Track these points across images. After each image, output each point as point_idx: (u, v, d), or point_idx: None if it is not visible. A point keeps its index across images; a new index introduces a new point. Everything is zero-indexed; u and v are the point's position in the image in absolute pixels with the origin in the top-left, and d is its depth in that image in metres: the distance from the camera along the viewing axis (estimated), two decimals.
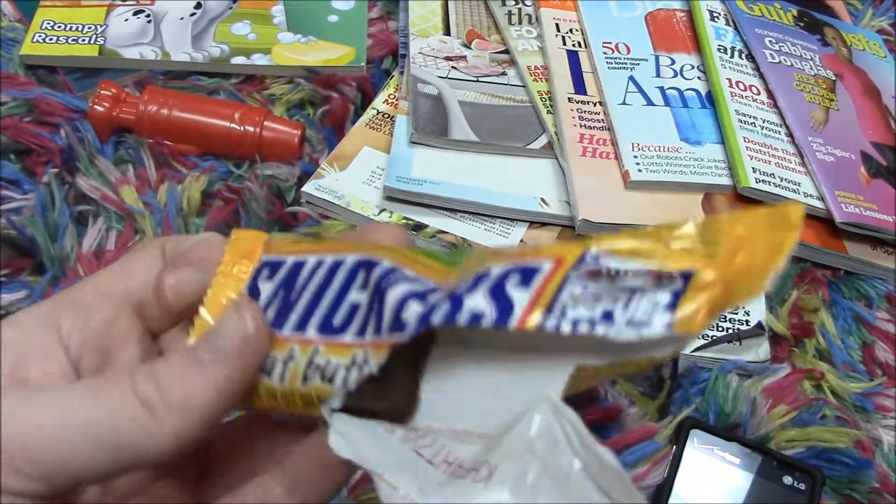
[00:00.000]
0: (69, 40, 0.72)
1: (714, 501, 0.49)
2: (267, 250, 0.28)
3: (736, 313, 0.58)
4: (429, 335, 0.25)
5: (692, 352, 0.56)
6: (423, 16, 0.75)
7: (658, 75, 0.68)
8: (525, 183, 0.63)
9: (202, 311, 0.28)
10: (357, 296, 0.26)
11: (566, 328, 0.22)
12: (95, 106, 0.65)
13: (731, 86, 0.66)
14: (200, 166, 0.66)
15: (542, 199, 0.62)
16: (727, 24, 0.72)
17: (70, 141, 0.65)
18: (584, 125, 0.64)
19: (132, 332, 0.28)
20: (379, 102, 0.70)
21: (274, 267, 0.27)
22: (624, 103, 0.65)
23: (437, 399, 0.25)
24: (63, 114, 0.67)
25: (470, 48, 0.72)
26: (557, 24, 0.72)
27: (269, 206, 0.62)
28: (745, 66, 0.69)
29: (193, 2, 0.75)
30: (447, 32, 0.74)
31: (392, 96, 0.70)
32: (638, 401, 0.55)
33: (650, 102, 0.66)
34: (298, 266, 0.27)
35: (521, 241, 0.61)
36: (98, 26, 0.73)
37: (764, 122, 0.64)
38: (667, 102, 0.66)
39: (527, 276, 0.22)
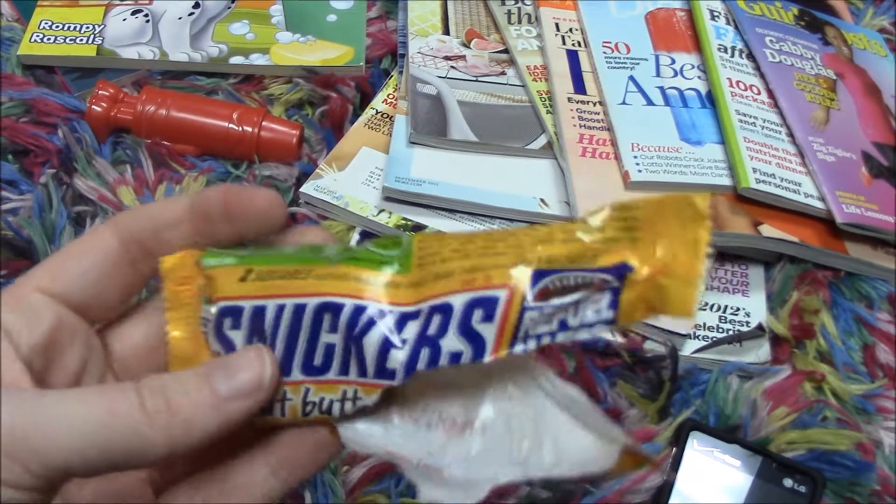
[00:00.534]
0: (67, 40, 0.71)
1: (714, 503, 0.49)
2: (213, 289, 0.28)
3: (736, 314, 0.58)
4: None
5: (692, 353, 0.56)
6: (422, 15, 0.75)
7: (658, 75, 0.68)
8: (524, 183, 0.62)
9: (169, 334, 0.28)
10: (329, 337, 0.27)
11: (532, 346, 0.25)
12: (93, 106, 0.65)
13: (731, 85, 0.66)
14: (198, 167, 0.66)
15: (542, 200, 0.61)
16: (727, 23, 0.72)
17: (68, 141, 0.65)
18: (584, 125, 0.64)
19: (76, 332, 0.28)
20: (378, 102, 0.70)
21: (235, 314, 0.27)
22: (624, 103, 0.65)
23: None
24: (61, 114, 0.67)
25: (469, 48, 0.72)
26: (557, 24, 0.72)
27: None
28: (746, 65, 0.68)
29: (192, 1, 0.75)
30: (446, 32, 0.73)
31: (391, 96, 0.70)
32: (638, 402, 0.55)
33: (650, 102, 0.65)
34: (259, 312, 0.27)
35: None
36: (96, 26, 0.73)
37: (764, 121, 0.64)
38: (667, 102, 0.66)
39: (488, 309, 0.25)
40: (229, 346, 0.28)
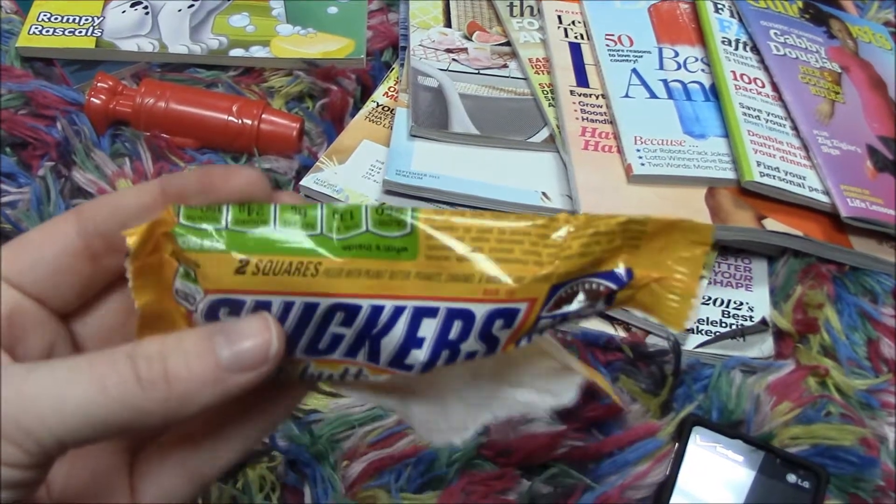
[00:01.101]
0: (66, 32, 0.71)
1: (717, 500, 0.49)
2: (202, 278, 0.26)
3: (739, 309, 0.58)
4: None
5: (695, 348, 0.56)
6: (423, 7, 0.74)
7: (661, 68, 0.67)
8: (526, 177, 0.62)
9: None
10: (339, 329, 0.26)
11: (535, 338, 0.27)
12: (92, 98, 0.65)
13: (735, 78, 0.65)
14: (198, 159, 0.65)
15: (544, 194, 0.61)
16: (731, 15, 0.71)
17: (66, 134, 0.64)
18: (587, 118, 0.63)
19: (38, 318, 0.27)
20: (379, 95, 0.69)
21: (234, 305, 0.26)
22: (627, 96, 0.64)
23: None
24: (59, 106, 0.66)
25: (471, 40, 0.72)
26: (559, 16, 0.72)
27: None
28: (750, 58, 0.68)
29: None
30: (448, 24, 0.73)
31: (392, 89, 0.70)
32: (640, 398, 0.54)
33: (653, 95, 0.65)
34: (263, 306, 0.26)
35: None
36: (95, 18, 0.72)
37: (769, 115, 0.63)
38: (670, 95, 0.65)
39: (508, 320, 0.26)
40: None
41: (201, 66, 0.72)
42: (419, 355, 0.26)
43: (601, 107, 0.64)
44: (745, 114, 0.62)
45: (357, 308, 0.26)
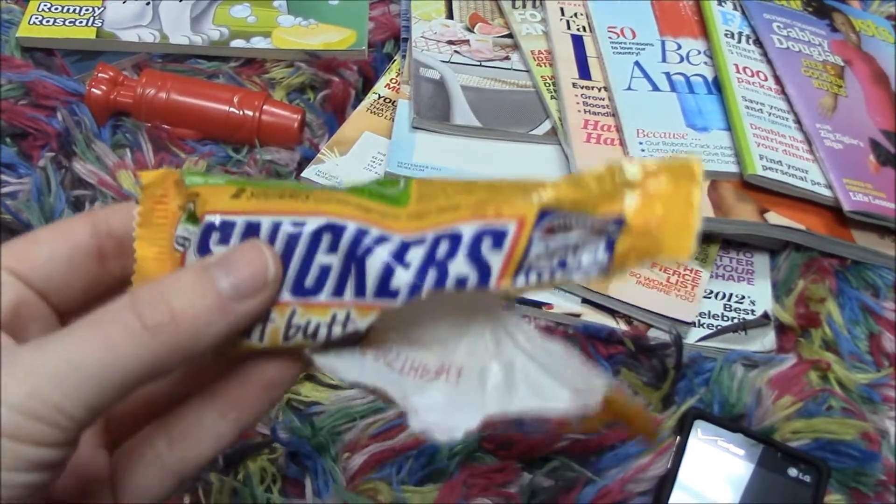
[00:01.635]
0: (66, 22, 0.71)
1: (718, 493, 0.49)
2: (200, 204, 0.27)
3: (741, 303, 0.57)
4: None
5: (697, 341, 0.56)
6: None
7: (664, 60, 0.67)
8: (528, 169, 0.62)
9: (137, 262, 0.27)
10: (325, 258, 0.26)
11: (533, 280, 0.26)
12: (93, 89, 0.64)
13: (738, 71, 0.65)
14: (199, 151, 0.65)
15: None
16: (734, 8, 0.71)
17: (67, 124, 0.64)
18: (589, 111, 0.63)
19: (40, 313, 0.28)
20: (380, 87, 0.69)
21: (224, 229, 0.27)
22: (629, 89, 0.64)
23: (391, 318, 0.27)
24: (60, 97, 0.66)
25: (473, 32, 0.71)
26: (562, 8, 0.71)
27: None
28: (753, 51, 0.68)
29: None
30: (450, 16, 0.73)
31: (394, 80, 0.69)
32: (641, 391, 0.54)
33: (656, 88, 0.65)
34: (253, 228, 0.27)
35: None
36: (96, 8, 0.72)
37: (771, 108, 0.63)
38: (673, 88, 0.65)
39: (497, 239, 0.26)
40: None
41: (202, 56, 0.71)
42: (404, 276, 0.26)
43: (603, 99, 0.64)
44: (747, 107, 0.62)
45: (342, 228, 0.26)
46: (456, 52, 0.69)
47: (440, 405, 0.26)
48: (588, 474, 0.50)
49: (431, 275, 0.26)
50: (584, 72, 0.66)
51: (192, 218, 0.27)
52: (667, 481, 0.49)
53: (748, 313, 0.57)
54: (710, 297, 0.58)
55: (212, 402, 0.28)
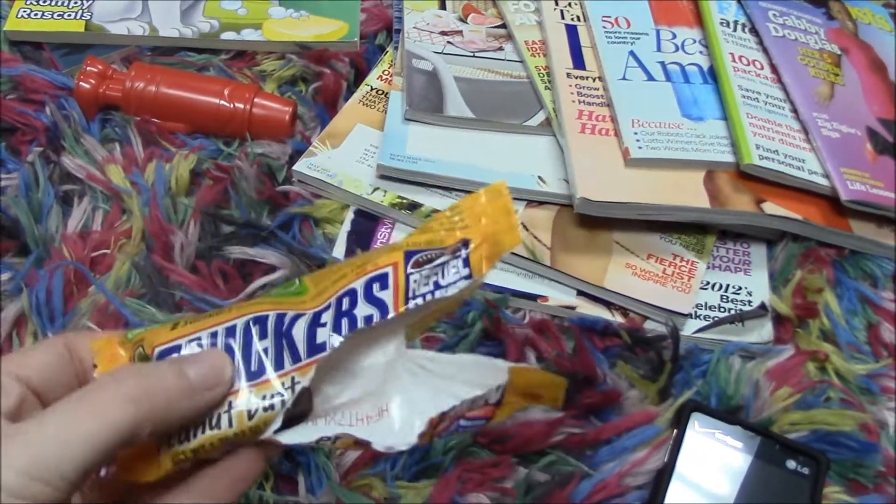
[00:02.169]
0: (55, 15, 0.70)
1: (716, 486, 0.48)
2: (147, 344, 0.34)
3: (738, 294, 0.57)
4: None
5: (694, 333, 0.55)
6: None
7: (659, 50, 0.66)
8: (522, 160, 0.61)
9: None
10: (261, 344, 0.33)
11: (420, 302, 0.32)
12: (81, 83, 0.64)
13: (734, 60, 0.64)
14: (189, 144, 0.64)
15: (540, 178, 0.60)
16: None
17: (55, 119, 0.63)
18: (583, 101, 0.62)
19: (35, 409, 0.32)
20: (372, 78, 0.68)
21: (173, 352, 0.33)
22: (624, 78, 0.64)
23: (329, 387, 0.34)
24: (48, 91, 0.65)
25: (466, 22, 0.71)
26: None
27: (260, 185, 0.61)
28: (749, 40, 0.67)
29: None
30: (442, 6, 0.72)
31: (386, 72, 0.69)
32: (638, 384, 0.54)
33: (651, 78, 0.64)
34: (195, 342, 0.33)
35: (521, 224, 0.60)
36: (84, 1, 0.71)
37: (768, 97, 0.62)
38: (668, 78, 0.64)
39: (383, 281, 0.33)
40: None
41: (192, 49, 0.70)
42: (324, 331, 0.32)
43: (598, 89, 0.63)
44: (743, 96, 0.61)
45: (265, 317, 0.33)
46: (449, 42, 0.68)
47: (389, 433, 0.33)
48: (584, 468, 0.50)
49: (345, 322, 0.32)
50: (579, 62, 0.65)
51: (144, 358, 0.33)
52: (664, 475, 0.49)
53: (745, 304, 0.57)
54: (706, 289, 0.57)
55: (187, 493, 0.32)
